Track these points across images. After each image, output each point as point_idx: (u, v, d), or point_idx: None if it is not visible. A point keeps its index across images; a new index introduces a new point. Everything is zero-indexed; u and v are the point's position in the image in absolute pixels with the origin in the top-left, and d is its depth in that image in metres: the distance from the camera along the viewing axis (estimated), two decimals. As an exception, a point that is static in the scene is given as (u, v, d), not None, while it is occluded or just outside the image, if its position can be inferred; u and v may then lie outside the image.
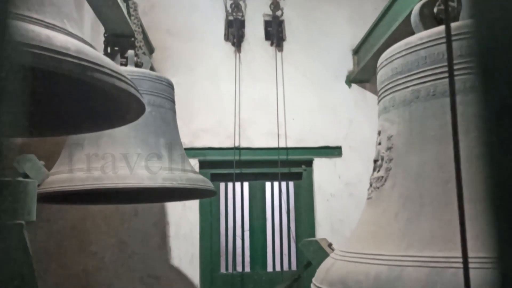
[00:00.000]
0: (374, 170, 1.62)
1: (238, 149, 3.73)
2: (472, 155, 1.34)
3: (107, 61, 0.87)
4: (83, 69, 0.80)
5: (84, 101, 1.02)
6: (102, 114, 1.07)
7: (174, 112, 2.58)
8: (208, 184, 2.40)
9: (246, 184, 3.93)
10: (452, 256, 1.15)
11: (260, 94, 3.84)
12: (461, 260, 1.16)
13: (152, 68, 3.06)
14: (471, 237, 1.26)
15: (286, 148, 3.77)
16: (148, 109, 2.32)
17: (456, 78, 1.34)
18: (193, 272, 3.58)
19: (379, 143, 1.63)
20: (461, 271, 1.13)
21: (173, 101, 2.57)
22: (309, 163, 3.83)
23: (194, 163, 3.40)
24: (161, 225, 3.58)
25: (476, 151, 1.39)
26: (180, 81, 3.58)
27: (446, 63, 1.39)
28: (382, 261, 1.28)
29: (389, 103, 1.59)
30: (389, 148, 1.54)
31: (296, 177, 3.90)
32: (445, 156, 1.32)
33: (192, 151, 3.50)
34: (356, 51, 3.90)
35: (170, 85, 2.56)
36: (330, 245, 2.07)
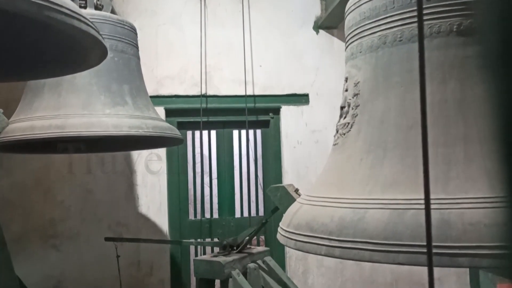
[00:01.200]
0: (340, 116, 1.64)
1: (204, 96, 3.69)
2: (435, 101, 1.37)
3: (65, 0, 0.81)
4: (39, 8, 0.74)
5: (41, 44, 0.96)
6: (61, 58, 1.01)
7: (138, 58, 2.50)
8: (175, 132, 2.38)
9: (213, 133, 3.93)
10: (413, 198, 1.19)
11: (226, 40, 3.76)
12: (421, 202, 1.21)
13: (113, 11, 2.92)
14: (431, 179, 1.31)
15: (253, 96, 3.75)
16: (110, 54, 2.23)
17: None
18: (161, 219, 3.62)
19: (346, 90, 1.64)
20: (421, 212, 1.18)
21: (136, 47, 2.49)
22: (277, 111, 3.84)
23: (160, 111, 3.34)
24: (128, 174, 3.56)
25: (437, 97, 1.40)
26: (143, 25, 3.45)
27: (413, 8, 1.38)
28: (346, 204, 1.32)
29: (356, 49, 1.59)
30: (355, 95, 1.55)
31: (263, 125, 3.91)
32: (409, 102, 1.34)
33: (157, 99, 3.44)
34: (324, -4, 3.83)
35: (133, 30, 2.46)
36: (296, 190, 2.12)
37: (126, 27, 2.39)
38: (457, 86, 1.28)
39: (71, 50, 0.92)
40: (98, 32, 0.85)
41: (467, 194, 1.16)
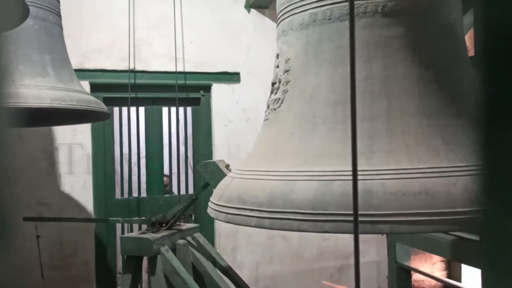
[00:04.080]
0: (271, 92, 1.66)
1: (133, 72, 3.57)
2: (361, 78, 1.42)
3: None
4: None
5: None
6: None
7: (61, 27, 2.36)
8: (101, 106, 2.29)
9: (142, 109, 3.82)
10: (340, 170, 1.25)
11: (157, 14, 3.65)
12: (346, 173, 1.27)
13: (32, -23, 2.72)
14: (357, 152, 1.37)
15: (184, 73, 3.69)
16: (30, 22, 2.09)
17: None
18: (86, 198, 3.49)
19: (277, 66, 1.66)
20: (346, 183, 1.24)
21: (59, 15, 2.34)
22: (208, 89, 3.81)
23: (85, 86, 3.19)
24: (50, 151, 3.38)
25: (363, 74, 1.46)
26: (66, -6, 3.25)
27: (343, -12, 1.42)
28: (277, 176, 1.35)
29: (288, 26, 1.61)
30: (286, 71, 1.58)
31: (194, 102, 3.87)
32: (337, 78, 1.39)
33: (82, 73, 3.28)
34: (256, -25, 3.83)
35: (55, -3, 2.31)
36: (227, 166, 2.13)
37: (47, -7, 2.24)
38: (381, 64, 1.35)
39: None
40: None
41: (389, 166, 1.23)
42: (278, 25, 1.72)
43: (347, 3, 1.42)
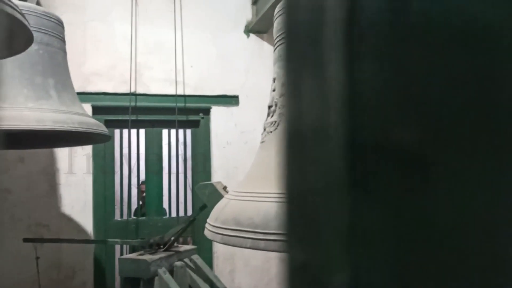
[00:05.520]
0: (268, 115, 1.71)
1: (134, 95, 3.63)
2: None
3: (-11, -16, 0.79)
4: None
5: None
6: (-16, 44, 0.97)
7: (65, 52, 2.42)
8: (102, 128, 2.33)
9: (142, 131, 3.87)
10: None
11: (157, 39, 3.74)
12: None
13: (38, 3, 2.81)
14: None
15: (184, 96, 3.75)
16: (35, 47, 2.15)
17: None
18: (85, 219, 3.50)
19: (274, 90, 1.71)
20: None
21: (63, 41, 2.41)
22: (207, 111, 3.87)
23: (87, 108, 3.24)
24: (50, 172, 3.42)
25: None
26: (71, 20, 3.33)
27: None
28: (271, 198, 1.38)
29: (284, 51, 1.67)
30: (282, 95, 1.63)
31: (193, 124, 3.92)
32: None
33: (84, 96, 3.34)
34: (255, 1, 3.92)
35: (60, 23, 2.38)
36: (225, 188, 2.16)
37: (52, 19, 2.31)
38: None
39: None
40: (23, 16, 0.83)
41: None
42: (275, 50, 1.78)
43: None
